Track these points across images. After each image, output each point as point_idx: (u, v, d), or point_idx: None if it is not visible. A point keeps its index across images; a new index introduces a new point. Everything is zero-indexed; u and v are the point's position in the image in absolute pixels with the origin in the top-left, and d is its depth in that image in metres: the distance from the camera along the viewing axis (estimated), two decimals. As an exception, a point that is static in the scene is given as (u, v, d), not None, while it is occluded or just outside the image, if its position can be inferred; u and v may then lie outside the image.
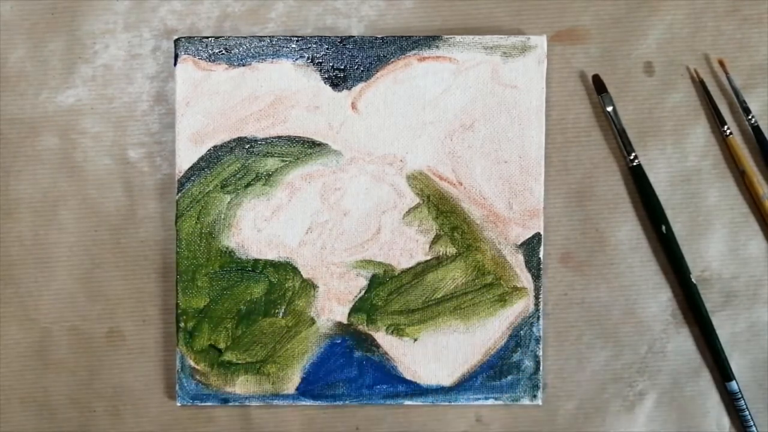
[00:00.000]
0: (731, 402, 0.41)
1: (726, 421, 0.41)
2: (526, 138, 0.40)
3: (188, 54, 0.40)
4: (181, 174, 0.40)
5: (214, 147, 0.40)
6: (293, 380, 0.40)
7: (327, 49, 0.40)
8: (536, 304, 0.40)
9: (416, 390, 0.40)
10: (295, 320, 0.40)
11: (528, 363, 0.40)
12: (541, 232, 0.40)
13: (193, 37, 0.40)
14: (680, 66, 0.42)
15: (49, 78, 0.41)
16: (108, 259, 0.41)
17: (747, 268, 0.41)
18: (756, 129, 0.41)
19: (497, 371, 0.40)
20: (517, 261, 0.40)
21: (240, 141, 0.40)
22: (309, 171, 0.40)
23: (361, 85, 0.40)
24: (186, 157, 0.40)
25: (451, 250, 0.40)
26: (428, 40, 0.40)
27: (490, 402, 0.40)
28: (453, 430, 0.41)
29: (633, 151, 0.41)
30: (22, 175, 0.41)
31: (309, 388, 0.40)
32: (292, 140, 0.40)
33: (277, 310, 0.40)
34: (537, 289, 0.40)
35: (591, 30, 0.42)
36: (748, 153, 0.42)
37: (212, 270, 0.40)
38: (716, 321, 0.41)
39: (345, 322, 0.40)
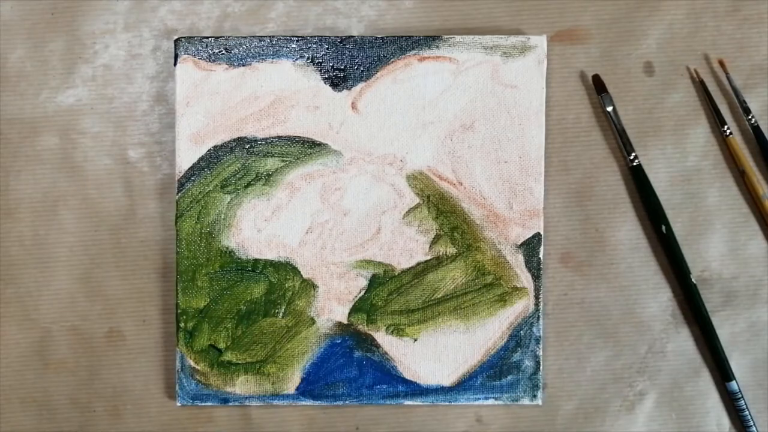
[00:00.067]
0: (731, 402, 0.41)
1: (726, 421, 0.41)
2: (526, 138, 0.40)
3: (188, 54, 0.40)
4: (181, 174, 0.40)
5: (214, 147, 0.40)
6: (293, 380, 0.40)
7: (327, 49, 0.40)
8: (536, 304, 0.40)
9: (416, 390, 0.40)
10: (295, 320, 0.40)
11: (528, 363, 0.40)
12: (541, 232, 0.40)
13: (193, 37, 0.40)
14: (680, 66, 0.42)
15: (49, 78, 0.41)
16: (108, 259, 0.41)
17: (747, 268, 0.41)
18: (756, 129, 0.41)
19: (497, 371, 0.40)
20: (517, 261, 0.40)
21: (240, 141, 0.40)
22: (309, 171, 0.40)
23: (361, 85, 0.40)
24: (186, 157, 0.40)
25: (451, 250, 0.40)
26: (428, 40, 0.40)
27: (490, 402, 0.40)
28: (453, 430, 0.41)
29: (633, 151, 0.41)
30: (22, 175, 0.41)
31: (309, 388, 0.40)
32: (292, 140, 0.40)
33: (277, 310, 0.40)
34: (537, 289, 0.40)
35: (591, 30, 0.42)
36: (748, 153, 0.42)
37: (212, 270, 0.40)
38: (716, 321, 0.41)
39: (345, 322, 0.40)
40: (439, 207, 0.40)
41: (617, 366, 0.41)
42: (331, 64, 0.40)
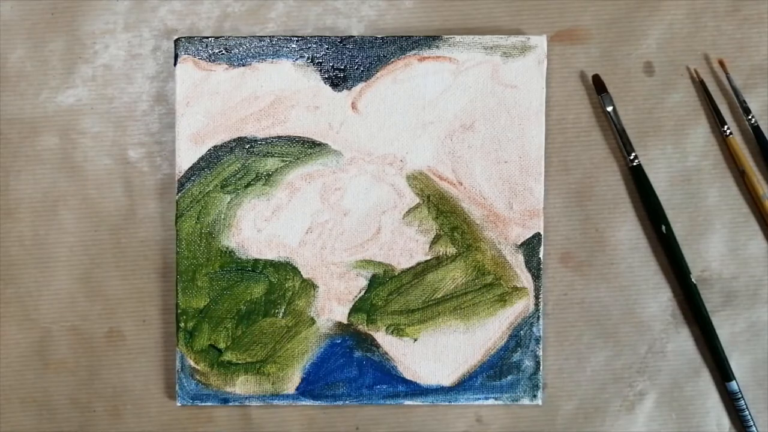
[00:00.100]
0: (731, 402, 0.41)
1: (726, 421, 0.41)
2: (526, 138, 0.40)
3: (188, 54, 0.40)
4: (181, 174, 0.40)
5: (214, 147, 0.40)
6: (293, 380, 0.40)
7: (327, 49, 0.40)
8: (536, 304, 0.40)
9: (416, 390, 0.40)
10: (295, 320, 0.40)
11: (528, 363, 0.40)
12: (541, 232, 0.40)
13: (193, 37, 0.40)
14: (680, 66, 0.42)
15: (49, 78, 0.41)
16: (108, 259, 0.41)
17: (747, 268, 0.41)
18: (756, 129, 0.41)
19: (497, 371, 0.40)
20: (517, 261, 0.40)
21: (240, 141, 0.40)
22: (309, 171, 0.40)
23: (361, 85, 0.40)
24: (186, 157, 0.40)
25: (451, 250, 0.40)
26: (428, 40, 0.40)
27: (490, 402, 0.40)
28: (453, 430, 0.41)
29: (633, 151, 0.41)
30: (22, 175, 0.41)
31: (309, 388, 0.40)
32: (292, 140, 0.40)
33: (277, 310, 0.40)
34: (537, 289, 0.40)
35: (591, 30, 0.42)
36: (748, 153, 0.42)
37: (212, 270, 0.40)
38: (716, 321, 0.41)
39: (345, 322, 0.40)
40: (439, 207, 0.40)
41: (617, 366, 0.41)
42: (331, 64, 0.40)
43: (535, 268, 0.40)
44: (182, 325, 0.40)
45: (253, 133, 0.40)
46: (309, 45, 0.40)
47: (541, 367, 0.40)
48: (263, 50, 0.40)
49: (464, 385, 0.40)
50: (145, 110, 0.42)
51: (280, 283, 0.40)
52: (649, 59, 0.41)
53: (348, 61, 0.40)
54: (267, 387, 0.40)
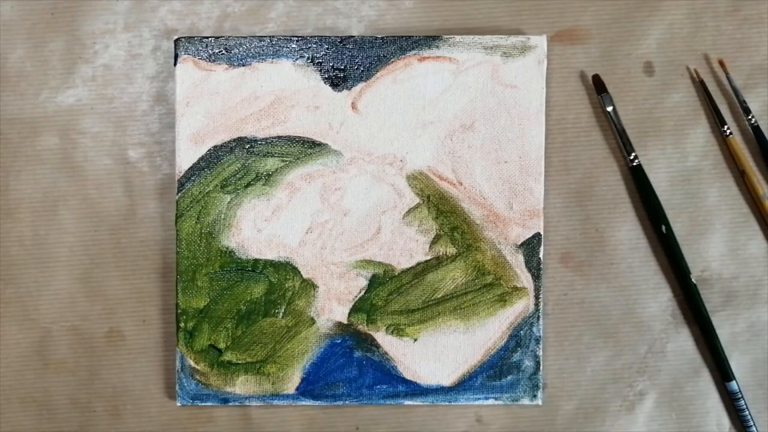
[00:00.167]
0: (731, 402, 0.41)
1: (726, 421, 0.41)
2: (526, 138, 0.40)
3: (188, 54, 0.40)
4: (181, 174, 0.40)
5: (214, 147, 0.40)
6: (293, 380, 0.40)
7: (327, 49, 0.40)
8: (536, 304, 0.40)
9: (416, 390, 0.40)
10: (295, 320, 0.40)
11: (528, 363, 0.40)
12: (541, 232, 0.40)
13: (193, 37, 0.40)
14: (680, 66, 0.42)
15: (49, 78, 0.41)
16: (108, 259, 0.41)
17: (747, 268, 0.41)
18: (756, 129, 0.41)
19: (497, 371, 0.40)
20: (517, 261, 0.40)
21: (240, 141, 0.40)
22: (309, 171, 0.40)
23: (361, 85, 0.40)
24: (186, 157, 0.40)
25: (451, 250, 0.40)
26: (428, 40, 0.40)
27: (490, 402, 0.40)
28: (453, 430, 0.41)
29: (633, 151, 0.41)
30: (22, 175, 0.41)
31: (309, 388, 0.40)
32: (292, 140, 0.40)
33: (277, 310, 0.40)
34: (537, 289, 0.40)
35: (591, 30, 0.42)
36: (748, 153, 0.42)
37: (212, 270, 0.40)
38: (716, 321, 0.41)
39: (345, 322, 0.40)
40: (439, 207, 0.40)
41: (617, 366, 0.41)
42: (331, 64, 0.40)
43: (535, 268, 0.40)
44: (182, 325, 0.40)
45: (253, 133, 0.40)
46: (309, 45, 0.40)
47: (541, 367, 0.40)
48: (263, 50, 0.40)
49: (464, 385, 0.40)
50: (145, 110, 0.42)
51: (280, 283, 0.40)
52: (649, 59, 0.41)
53: (348, 61, 0.40)
54: (267, 387, 0.40)
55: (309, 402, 0.40)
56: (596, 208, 0.42)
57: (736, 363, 0.41)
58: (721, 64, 0.41)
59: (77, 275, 0.41)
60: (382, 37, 0.40)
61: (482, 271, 0.40)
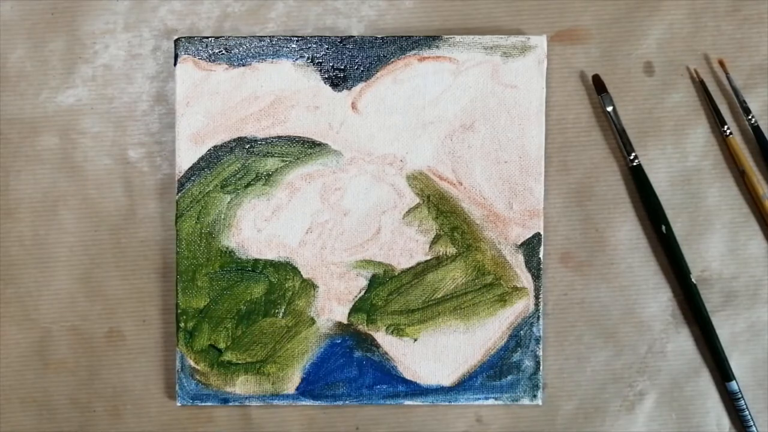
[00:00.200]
0: (731, 402, 0.41)
1: (726, 421, 0.41)
2: (526, 138, 0.40)
3: (188, 54, 0.40)
4: (181, 174, 0.40)
5: (214, 147, 0.40)
6: (293, 380, 0.40)
7: (327, 49, 0.40)
8: (536, 304, 0.40)
9: (416, 390, 0.40)
10: (295, 320, 0.40)
11: (528, 363, 0.40)
12: (541, 232, 0.40)
13: (193, 37, 0.40)
14: (680, 66, 0.42)
15: (49, 78, 0.41)
16: (108, 259, 0.41)
17: (747, 268, 0.41)
18: (756, 129, 0.41)
19: (497, 371, 0.40)
20: (517, 261, 0.40)
21: (240, 141, 0.40)
22: (309, 171, 0.40)
23: (361, 85, 0.40)
24: (186, 157, 0.40)
25: (451, 250, 0.40)
26: (428, 40, 0.40)
27: (490, 402, 0.40)
28: (453, 430, 0.41)
29: (633, 151, 0.41)
30: (22, 175, 0.41)
31: (309, 388, 0.40)
32: (292, 140, 0.40)
33: (277, 310, 0.40)
34: (537, 289, 0.40)
35: (591, 30, 0.42)
36: (748, 153, 0.42)
37: (212, 270, 0.40)
38: (716, 321, 0.41)
39: (345, 322, 0.40)
40: (439, 207, 0.40)
41: (617, 366, 0.41)
42: (331, 64, 0.40)
43: (535, 268, 0.40)
44: (182, 325, 0.40)
45: (253, 133, 0.40)
46: (309, 45, 0.40)
47: (541, 367, 0.40)
48: (263, 50, 0.40)
49: (464, 385, 0.40)
50: (145, 110, 0.42)
51: (280, 283, 0.40)
52: (649, 59, 0.41)
53: (348, 61, 0.40)
54: (267, 387, 0.40)
55: (309, 402, 0.40)
56: (596, 208, 0.42)
57: (736, 363, 0.41)
58: (721, 64, 0.41)
59: (77, 275, 0.41)
60: (382, 37, 0.40)
61: (482, 271, 0.40)
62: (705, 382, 0.41)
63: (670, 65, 0.41)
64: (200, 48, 0.40)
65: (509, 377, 0.40)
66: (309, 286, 0.40)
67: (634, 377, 0.41)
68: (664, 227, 0.41)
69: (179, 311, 0.40)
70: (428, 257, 0.40)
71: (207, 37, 0.40)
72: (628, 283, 0.41)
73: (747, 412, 0.41)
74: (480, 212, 0.40)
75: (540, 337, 0.40)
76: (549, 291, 0.41)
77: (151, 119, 0.42)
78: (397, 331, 0.40)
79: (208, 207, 0.40)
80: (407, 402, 0.40)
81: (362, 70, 0.40)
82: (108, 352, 0.42)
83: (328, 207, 0.40)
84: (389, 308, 0.40)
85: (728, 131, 0.41)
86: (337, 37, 0.40)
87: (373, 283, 0.40)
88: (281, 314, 0.40)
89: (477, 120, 0.40)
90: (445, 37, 0.40)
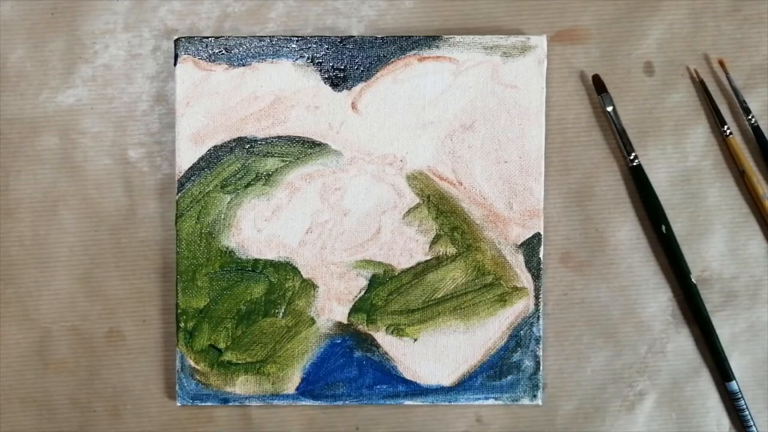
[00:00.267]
0: (731, 402, 0.41)
1: (726, 421, 0.41)
2: (526, 138, 0.40)
3: (188, 54, 0.40)
4: (181, 174, 0.40)
5: (214, 147, 0.40)
6: (293, 380, 0.40)
7: (327, 49, 0.40)
8: (536, 304, 0.40)
9: (416, 390, 0.40)
10: (295, 320, 0.40)
11: (528, 363, 0.40)
12: (541, 232, 0.40)
13: (193, 37, 0.40)
14: (680, 66, 0.42)
15: (49, 78, 0.41)
16: (108, 259, 0.41)
17: (747, 268, 0.41)
18: (756, 129, 0.41)
19: (497, 371, 0.40)
20: (517, 261, 0.40)
21: (240, 141, 0.40)
22: (309, 171, 0.40)
23: (361, 85, 0.40)
24: (186, 157, 0.40)
25: (451, 250, 0.40)
26: (428, 40, 0.40)
27: (490, 402, 0.40)
28: (453, 430, 0.41)
29: (633, 151, 0.41)
30: (22, 175, 0.41)
31: (309, 388, 0.40)
32: (292, 140, 0.40)
33: (277, 310, 0.40)
34: (537, 289, 0.40)
35: (591, 30, 0.42)
36: (748, 153, 0.42)
37: (212, 270, 0.40)
38: (716, 321, 0.41)
39: (345, 322, 0.40)
40: (439, 207, 0.40)
41: (617, 366, 0.41)
42: (331, 64, 0.40)
43: (535, 268, 0.40)
44: (182, 325, 0.40)
45: (253, 133, 0.40)
46: (309, 45, 0.40)
47: (541, 367, 0.40)
48: (263, 50, 0.40)
49: (464, 385, 0.40)
50: (145, 110, 0.42)
51: (280, 283, 0.40)
52: (649, 59, 0.41)
53: (348, 61, 0.40)
54: (267, 387, 0.40)
55: (309, 402, 0.40)
56: (596, 208, 0.42)
57: (736, 363, 0.41)
58: (721, 64, 0.41)
59: (77, 275, 0.41)
60: (382, 37, 0.40)
61: (482, 271, 0.40)
62: (705, 382, 0.41)
63: (670, 65, 0.41)
64: (200, 48, 0.40)
65: (509, 377, 0.40)
66: (309, 286, 0.40)
67: (634, 377, 0.41)
68: (664, 227, 0.41)
69: (179, 311, 0.40)
70: (428, 257, 0.40)
71: (207, 37, 0.40)
72: (628, 283, 0.41)
73: (747, 412, 0.41)
74: (480, 212, 0.40)
75: (540, 337, 0.40)
76: (549, 291, 0.41)
77: (151, 119, 0.42)
78: (397, 331, 0.40)
79: (208, 207, 0.40)
80: (407, 402, 0.40)
81: (362, 70, 0.40)
82: (108, 352, 0.42)
83: (328, 207, 0.40)
84: (389, 308, 0.40)
85: (728, 131, 0.41)
86: (337, 37, 0.40)
87: (373, 283, 0.40)
88: (281, 314, 0.40)
89: (477, 120, 0.40)
90: (445, 37, 0.40)
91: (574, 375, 0.41)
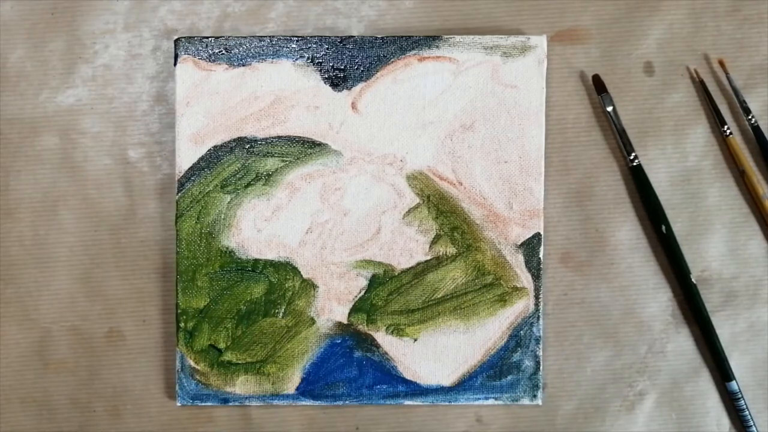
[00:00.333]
0: (731, 402, 0.41)
1: (726, 421, 0.41)
2: (526, 138, 0.40)
3: (188, 54, 0.40)
4: (181, 174, 0.40)
5: (214, 147, 0.40)
6: (293, 380, 0.40)
7: (327, 49, 0.40)
8: (536, 304, 0.40)
9: (416, 390, 0.40)
10: (295, 320, 0.40)
11: (528, 363, 0.40)
12: (541, 232, 0.40)
13: (193, 37, 0.40)
14: (680, 66, 0.42)
15: (49, 78, 0.41)
16: (108, 259, 0.41)
17: (747, 268, 0.41)
18: (756, 129, 0.41)
19: (497, 371, 0.40)
20: (517, 261, 0.40)
21: (240, 141, 0.40)
22: (309, 171, 0.40)
23: (361, 85, 0.40)
24: (186, 157, 0.40)
25: (451, 250, 0.40)
26: (428, 40, 0.40)
27: (490, 402, 0.40)
28: (453, 430, 0.41)
29: (633, 151, 0.41)
30: (22, 175, 0.41)
31: (309, 388, 0.40)
32: (292, 140, 0.40)
33: (277, 310, 0.40)
34: (537, 289, 0.40)
35: (591, 30, 0.42)
36: (748, 153, 0.42)
37: (212, 270, 0.40)
38: (716, 321, 0.41)
39: (345, 322, 0.40)
40: (439, 207, 0.40)
41: (617, 366, 0.41)
42: (331, 64, 0.40)
43: (535, 268, 0.40)
44: (182, 325, 0.40)
45: (253, 133, 0.40)
46: (309, 45, 0.40)
47: (541, 367, 0.40)
48: (263, 50, 0.40)
49: (464, 385, 0.40)
50: (145, 110, 0.42)
51: (280, 283, 0.40)
52: (649, 59, 0.41)
53: (348, 61, 0.40)
54: (267, 387, 0.40)
55: (309, 402, 0.40)
56: (596, 208, 0.42)
57: (736, 363, 0.41)
58: (721, 64, 0.41)
59: (77, 275, 0.41)
60: (382, 37, 0.40)
61: (482, 271, 0.40)
62: (705, 382, 0.41)
63: (670, 65, 0.41)
64: (200, 48, 0.40)
65: (509, 377, 0.40)
66: (309, 286, 0.40)
67: (634, 377, 0.41)
68: (664, 227, 0.41)
69: (179, 311, 0.40)
70: (428, 257, 0.40)
71: (207, 37, 0.40)
72: (628, 283, 0.41)
73: (747, 412, 0.41)
74: (480, 212, 0.40)
75: (540, 337, 0.40)
76: (549, 291, 0.41)
77: (151, 119, 0.42)
78: (397, 331, 0.40)
79: (208, 207, 0.40)
80: (407, 402, 0.40)
81: (362, 70, 0.40)
82: (108, 352, 0.42)
83: (328, 207, 0.40)
84: (389, 308, 0.40)
85: (728, 131, 0.41)
86: (337, 37, 0.40)
87: (373, 283, 0.40)
88: (281, 314, 0.40)
89: (477, 120, 0.40)
90: (445, 37, 0.40)
91: (574, 375, 0.41)
